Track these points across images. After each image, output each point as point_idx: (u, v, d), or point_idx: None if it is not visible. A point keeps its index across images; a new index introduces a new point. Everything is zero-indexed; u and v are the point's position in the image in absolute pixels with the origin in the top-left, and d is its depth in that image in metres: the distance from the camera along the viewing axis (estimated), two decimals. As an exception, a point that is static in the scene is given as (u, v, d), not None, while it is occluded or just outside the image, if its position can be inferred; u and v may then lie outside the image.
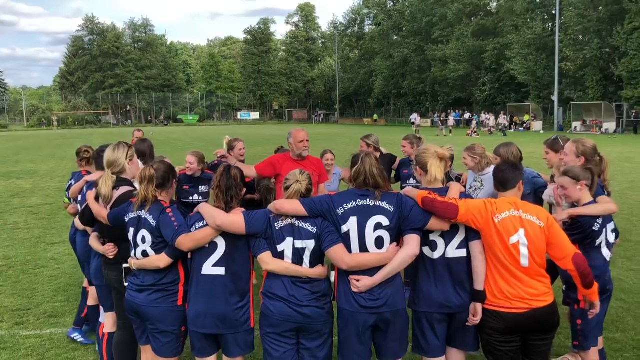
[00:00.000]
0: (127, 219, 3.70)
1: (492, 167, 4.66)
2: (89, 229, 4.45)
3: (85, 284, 5.37)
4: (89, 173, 5.10)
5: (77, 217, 4.73)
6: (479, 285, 3.33)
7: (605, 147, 26.75)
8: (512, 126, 48.52)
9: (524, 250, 3.21)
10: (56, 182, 16.89)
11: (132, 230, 3.66)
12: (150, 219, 3.58)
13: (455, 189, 3.48)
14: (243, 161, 6.87)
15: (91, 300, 5.09)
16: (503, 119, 46.07)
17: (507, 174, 3.45)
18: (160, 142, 37.97)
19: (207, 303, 3.42)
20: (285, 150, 6.45)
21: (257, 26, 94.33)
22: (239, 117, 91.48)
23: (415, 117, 52.87)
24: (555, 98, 46.37)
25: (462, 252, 3.41)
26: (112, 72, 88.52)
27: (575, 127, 44.27)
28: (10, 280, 7.19)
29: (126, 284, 3.82)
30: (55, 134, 59.18)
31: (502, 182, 3.47)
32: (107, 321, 4.39)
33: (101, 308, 4.57)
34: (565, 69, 45.67)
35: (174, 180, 3.83)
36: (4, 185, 16.75)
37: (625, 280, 6.64)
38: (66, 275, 7.33)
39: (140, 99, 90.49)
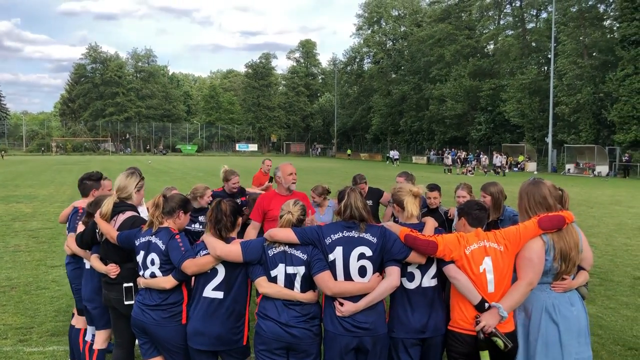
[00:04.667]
0: (137, 243, 4.02)
1: None
2: (81, 252, 4.63)
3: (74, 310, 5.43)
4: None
5: (67, 242, 4.92)
6: (474, 300, 3.47)
7: (596, 190, 27.26)
8: (507, 166, 49.03)
9: (489, 277, 3.53)
10: (55, 207, 17.14)
11: (142, 253, 3.98)
12: (159, 243, 3.91)
13: (430, 224, 3.80)
14: (234, 194, 7.20)
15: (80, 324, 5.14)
16: (500, 159, 46.43)
17: (483, 214, 3.83)
18: (159, 171, 38.40)
19: (204, 322, 3.73)
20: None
21: (258, 60, 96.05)
22: (237, 148, 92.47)
23: (394, 154, 54.51)
24: (549, 140, 47.13)
25: (435, 281, 3.73)
26: (113, 100, 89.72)
27: (569, 169, 44.93)
28: (13, 300, 7.45)
29: (126, 303, 4.11)
30: (54, 159, 59.55)
31: (480, 220, 3.80)
32: (98, 338, 4.65)
33: (88, 327, 4.83)
34: (559, 112, 46.61)
35: (182, 212, 4.10)
36: (4, 208, 17.02)
37: (603, 317, 6.94)
38: (67, 296, 7.56)
39: (139, 128, 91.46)
